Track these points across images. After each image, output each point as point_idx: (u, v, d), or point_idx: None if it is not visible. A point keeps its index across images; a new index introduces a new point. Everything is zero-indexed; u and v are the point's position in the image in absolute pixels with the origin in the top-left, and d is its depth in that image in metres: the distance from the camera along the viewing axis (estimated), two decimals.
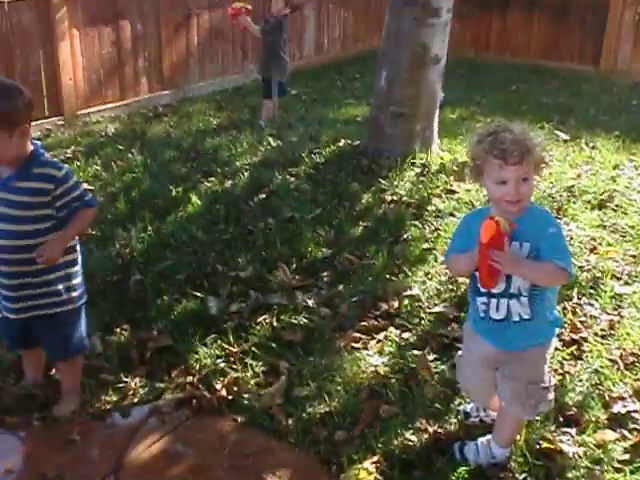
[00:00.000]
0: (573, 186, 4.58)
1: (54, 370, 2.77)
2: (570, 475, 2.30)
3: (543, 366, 2.22)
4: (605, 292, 3.33)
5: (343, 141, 5.32)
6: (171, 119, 6.34)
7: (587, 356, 2.90)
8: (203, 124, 6.11)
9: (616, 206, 4.28)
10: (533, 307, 2.13)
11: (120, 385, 2.75)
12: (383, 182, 4.55)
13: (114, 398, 2.69)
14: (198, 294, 3.31)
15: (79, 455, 2.44)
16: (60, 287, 2.44)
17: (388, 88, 4.82)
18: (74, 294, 2.49)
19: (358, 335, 3.05)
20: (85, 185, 4.44)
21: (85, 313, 2.64)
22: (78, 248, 2.53)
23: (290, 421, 2.55)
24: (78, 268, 2.53)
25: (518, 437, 2.41)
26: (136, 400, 2.70)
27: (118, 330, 3.06)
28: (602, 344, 2.97)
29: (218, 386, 2.74)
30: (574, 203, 4.32)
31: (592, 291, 3.35)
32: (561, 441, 2.44)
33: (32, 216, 2.33)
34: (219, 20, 7.29)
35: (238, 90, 7.52)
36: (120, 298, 3.28)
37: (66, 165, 2.48)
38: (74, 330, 2.55)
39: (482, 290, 2.17)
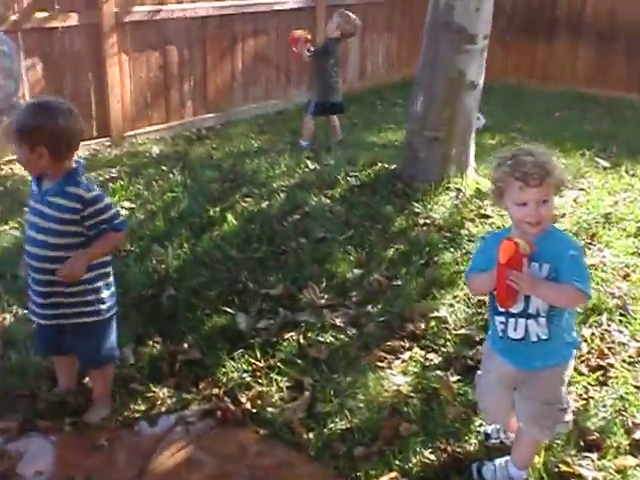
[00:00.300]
0: (610, 213, 4.56)
1: (87, 378, 2.87)
2: None
3: (560, 387, 2.23)
4: (635, 319, 3.30)
5: (380, 165, 5.39)
6: (213, 141, 6.50)
7: (612, 382, 2.88)
8: (244, 146, 6.24)
9: None
10: (551, 328, 2.15)
11: (149, 395, 2.84)
12: (417, 205, 4.59)
13: (143, 407, 2.78)
14: (229, 310, 3.40)
15: (106, 460, 2.53)
16: (89, 299, 2.54)
17: (423, 113, 4.88)
18: (102, 306, 2.59)
19: (383, 354, 3.09)
20: (126, 203, 4.69)
21: (118, 325, 2.75)
22: (110, 263, 2.64)
23: (311, 435, 2.61)
24: (109, 282, 2.63)
25: (537, 459, 2.42)
26: (164, 409, 2.78)
27: (150, 342, 3.15)
28: (629, 371, 2.95)
29: (243, 399, 2.81)
30: (609, 230, 4.29)
31: (622, 318, 3.33)
32: (580, 465, 2.44)
33: (62, 230, 2.46)
34: (263, 46, 7.47)
35: (280, 114, 7.65)
36: (153, 312, 3.39)
37: (98, 188, 2.57)
38: (103, 340, 2.66)
39: (501, 310, 2.20)
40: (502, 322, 2.21)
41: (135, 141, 6.38)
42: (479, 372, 2.49)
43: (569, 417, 2.27)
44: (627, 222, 4.40)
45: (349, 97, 8.32)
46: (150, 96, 6.55)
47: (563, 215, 4.56)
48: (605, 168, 5.56)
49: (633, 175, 5.41)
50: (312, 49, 6.01)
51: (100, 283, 2.57)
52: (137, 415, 2.75)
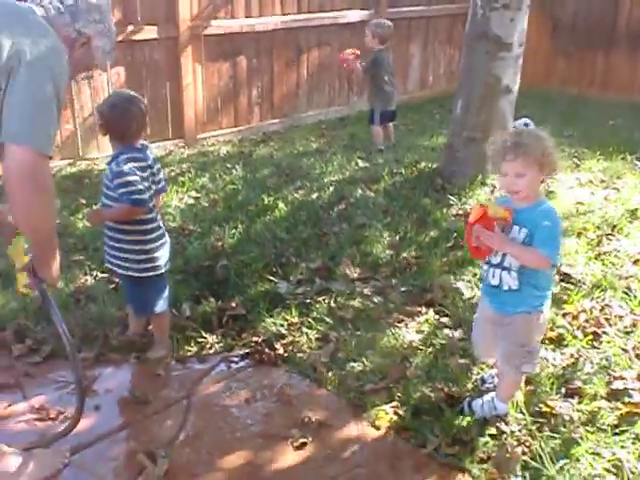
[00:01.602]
0: (636, 209, 4.85)
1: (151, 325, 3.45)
2: (560, 431, 2.68)
3: (529, 333, 2.62)
4: (636, 297, 3.64)
5: (424, 164, 5.84)
6: (277, 143, 7.07)
7: (603, 346, 3.24)
8: (303, 148, 6.79)
9: None
10: (521, 281, 2.54)
11: (200, 340, 3.38)
12: (452, 199, 5.02)
13: (194, 349, 3.33)
14: (272, 278, 3.91)
15: (161, 384, 3.10)
16: (130, 257, 3.09)
17: (462, 115, 5.31)
18: (142, 266, 3.11)
19: (401, 317, 3.54)
20: (193, 193, 5.29)
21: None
22: (154, 236, 3.12)
23: (330, 374, 3.08)
24: (147, 249, 3.10)
25: (521, 399, 2.82)
26: (211, 352, 3.32)
27: (204, 301, 3.69)
28: (620, 337, 3.30)
29: (277, 346, 3.31)
30: (631, 223, 4.60)
31: (624, 295, 3.67)
32: (560, 407, 2.82)
33: (107, 194, 3.06)
34: (327, 56, 8.02)
35: (342, 120, 8.16)
36: (208, 278, 3.93)
37: (130, 167, 2.98)
38: (146, 293, 3.21)
39: (487, 260, 2.63)
40: (485, 270, 2.65)
41: (206, 143, 7.02)
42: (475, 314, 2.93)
43: (536, 360, 2.66)
44: None
45: (409, 106, 8.78)
46: (221, 102, 7.18)
47: (592, 211, 4.89)
48: None
49: None
50: (363, 64, 6.42)
51: (137, 247, 3.08)
52: (189, 354, 3.30)
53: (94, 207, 3.18)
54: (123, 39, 6.03)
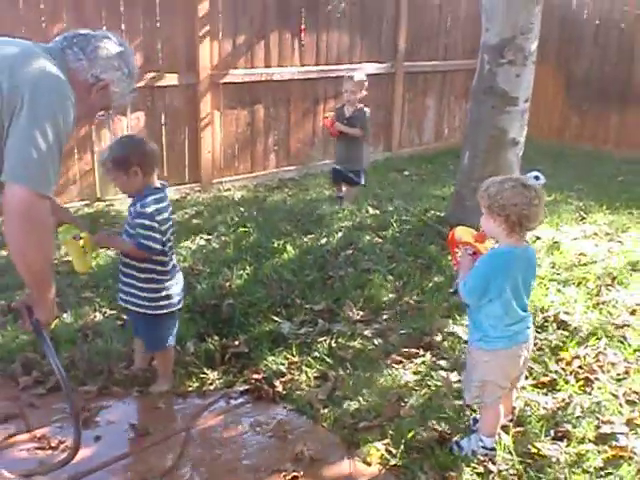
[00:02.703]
0: (638, 262, 4.93)
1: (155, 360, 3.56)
2: (546, 472, 2.73)
3: (479, 367, 2.77)
4: (631, 346, 3.70)
5: (432, 212, 5.97)
6: (291, 190, 7.25)
7: (595, 392, 3.30)
8: (316, 195, 6.96)
9: None
10: (469, 313, 2.82)
11: (202, 376, 3.48)
12: None
13: (196, 384, 3.43)
14: (276, 319, 4.02)
15: (162, 417, 3.20)
16: (144, 294, 3.21)
17: (470, 166, 5.45)
18: (154, 304, 3.23)
19: (400, 358, 3.63)
20: (205, 235, 5.44)
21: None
22: (168, 275, 3.25)
23: (326, 411, 3.17)
24: (158, 288, 3.22)
25: (510, 440, 2.88)
26: (212, 388, 3.42)
27: (208, 339, 3.80)
28: (612, 384, 3.36)
29: (277, 383, 3.41)
30: (631, 275, 4.67)
31: (619, 344, 3.73)
32: (548, 449, 2.88)
33: (128, 231, 3.17)
34: None
35: None
36: (214, 317, 4.04)
37: (153, 211, 3.08)
38: (155, 331, 3.33)
39: None
40: None
41: (222, 187, 7.20)
42: None
43: (475, 394, 2.80)
44: None
45: (424, 157, 8.98)
46: (238, 148, 7.40)
47: (594, 262, 4.97)
48: None
49: None
50: (358, 123, 5.95)
51: (152, 285, 3.20)
52: (190, 389, 3.40)
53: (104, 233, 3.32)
54: (144, 85, 6.27)
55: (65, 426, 3.08)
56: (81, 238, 2.90)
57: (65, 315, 4.03)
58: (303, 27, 7.56)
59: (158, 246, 3.11)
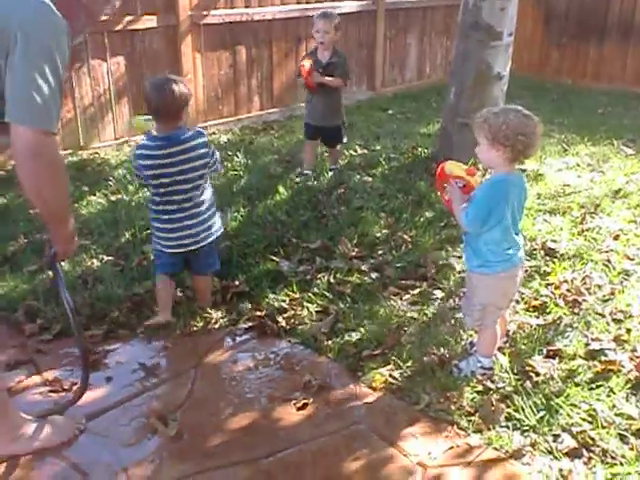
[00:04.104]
0: (620, 189, 5.08)
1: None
2: (541, 387, 2.91)
3: (480, 292, 2.90)
4: (615, 269, 3.87)
5: (420, 149, 6.05)
6: (277, 132, 7.26)
7: (583, 312, 3.47)
8: (303, 136, 6.97)
9: None
10: (465, 241, 2.93)
11: (206, 315, 3.59)
12: None
13: (201, 324, 3.54)
14: (274, 258, 4.12)
15: (171, 356, 3.32)
16: (212, 223, 3.50)
17: (456, 102, 5.52)
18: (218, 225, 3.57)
19: (397, 290, 3.77)
20: None
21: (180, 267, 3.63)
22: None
23: (330, 342, 3.31)
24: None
25: (505, 360, 3.05)
26: (217, 326, 3.53)
27: None
28: (599, 304, 3.53)
29: (280, 319, 3.53)
30: (613, 202, 4.83)
31: (604, 267, 3.90)
32: (541, 366, 3.05)
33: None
34: None
35: None
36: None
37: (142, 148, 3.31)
38: (216, 252, 3.67)
39: None
40: None
41: (206, 132, 7.12)
42: None
43: (477, 315, 2.94)
44: (633, 197, 4.92)
45: (407, 95, 8.99)
46: (221, 91, 7.36)
47: (578, 192, 5.11)
48: (628, 155, 6.04)
49: None
50: (339, 70, 5.19)
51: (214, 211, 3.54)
52: (195, 329, 3.51)
53: None
54: (122, 28, 6.20)
55: (75, 369, 3.17)
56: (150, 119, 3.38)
57: (63, 263, 4.10)
58: None
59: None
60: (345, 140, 5.65)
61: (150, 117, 3.31)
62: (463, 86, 5.48)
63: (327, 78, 5.18)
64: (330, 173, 5.53)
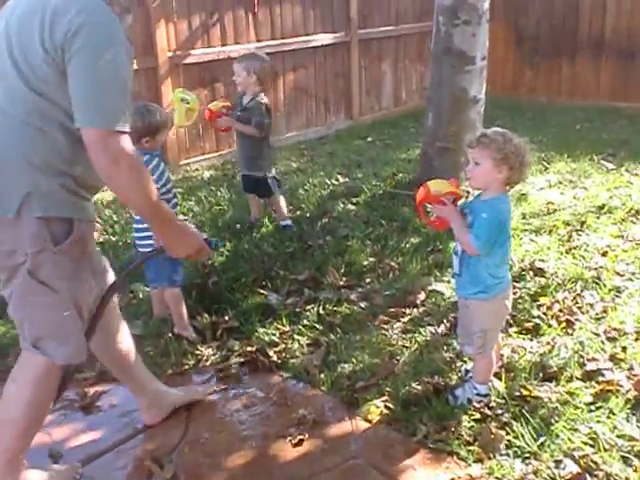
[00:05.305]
0: (604, 205, 5.11)
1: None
2: (540, 412, 2.87)
3: (479, 318, 2.85)
4: (605, 286, 3.86)
5: (401, 175, 6.08)
6: None
7: (576, 332, 3.45)
8: (284, 167, 6.98)
9: (639, 220, 4.78)
10: (462, 266, 2.82)
11: (197, 353, 3.54)
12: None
13: (192, 362, 3.48)
14: (262, 292, 4.08)
15: None
16: None
17: (434, 126, 5.55)
18: None
19: (387, 318, 3.73)
20: (180, 217, 5.45)
21: None
22: None
23: (322, 375, 3.26)
24: None
25: (502, 385, 3.01)
26: (208, 364, 3.47)
27: (198, 317, 3.85)
28: (592, 323, 3.52)
29: (271, 353, 3.49)
30: (598, 218, 4.85)
31: (594, 285, 3.89)
32: (538, 390, 3.01)
33: None
34: (303, 79, 8.26)
35: (321, 139, 8.36)
36: (201, 295, 4.08)
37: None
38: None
39: (454, 249, 2.92)
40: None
41: (189, 168, 7.19)
42: None
43: (480, 342, 2.86)
44: (617, 212, 4.95)
45: (385, 122, 9.05)
46: (202, 128, 7.38)
47: (562, 209, 5.13)
48: (609, 170, 6.10)
49: (635, 174, 5.93)
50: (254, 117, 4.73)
51: None
52: (187, 368, 3.46)
53: None
54: None
55: (68, 414, 3.12)
56: (188, 102, 4.03)
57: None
58: (257, 1, 7.52)
59: None
60: (276, 193, 4.99)
61: (189, 98, 4.06)
62: (440, 111, 5.52)
63: (237, 124, 4.83)
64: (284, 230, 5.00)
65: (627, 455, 2.60)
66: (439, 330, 3.56)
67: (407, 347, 3.44)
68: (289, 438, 2.88)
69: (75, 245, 2.33)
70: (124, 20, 2.33)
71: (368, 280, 4.20)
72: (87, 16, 2.15)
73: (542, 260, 4.22)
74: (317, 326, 3.70)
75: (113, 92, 2.16)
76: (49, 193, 2.24)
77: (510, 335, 3.45)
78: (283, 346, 3.54)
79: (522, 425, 2.76)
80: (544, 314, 3.61)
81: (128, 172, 2.19)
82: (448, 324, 3.60)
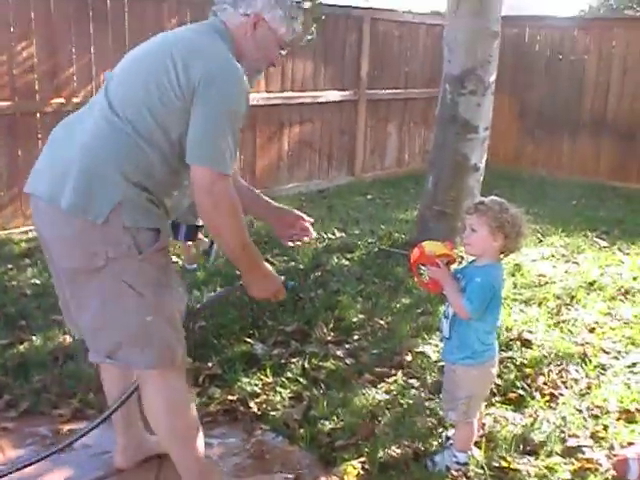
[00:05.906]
0: (594, 282, 5.14)
1: None
2: None
3: (465, 384, 2.83)
4: (591, 362, 3.86)
5: (397, 235, 6.12)
6: None
7: (559, 407, 3.43)
8: None
9: (627, 299, 4.80)
10: (451, 330, 2.82)
11: None
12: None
13: None
14: (249, 340, 4.07)
15: None
16: None
17: (434, 190, 5.62)
18: None
19: (372, 378, 3.70)
20: (174, 258, 5.47)
21: None
22: None
23: (302, 431, 3.22)
24: None
25: (481, 455, 2.98)
26: None
27: None
28: (576, 399, 3.50)
29: (252, 404, 3.45)
30: (588, 294, 4.87)
31: (580, 360, 3.89)
32: (518, 463, 2.98)
33: None
34: (308, 133, 8.40)
35: (321, 192, 8.46)
36: (186, 340, 4.05)
37: None
38: None
39: (444, 312, 2.92)
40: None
41: None
42: None
43: (463, 409, 2.84)
44: (607, 289, 4.98)
45: (386, 181, 9.17)
46: None
47: (553, 282, 5.16)
48: (602, 247, 6.15)
49: (627, 254, 5.98)
50: None
51: None
52: None
53: None
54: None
55: (40, 450, 3.07)
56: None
57: (34, 338, 4.03)
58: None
59: None
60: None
61: None
62: (441, 175, 5.60)
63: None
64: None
65: None
66: (422, 394, 3.53)
67: (389, 409, 3.41)
68: None
69: (159, 254, 2.41)
70: (252, 79, 2.57)
71: (356, 337, 4.20)
72: (222, 63, 2.33)
73: (530, 331, 4.23)
74: (301, 380, 3.67)
75: (228, 138, 2.29)
76: (139, 205, 2.32)
77: (493, 404, 3.43)
78: (264, 397, 3.51)
79: None
80: (528, 386, 3.60)
81: (227, 215, 2.30)
82: (432, 389, 3.57)
